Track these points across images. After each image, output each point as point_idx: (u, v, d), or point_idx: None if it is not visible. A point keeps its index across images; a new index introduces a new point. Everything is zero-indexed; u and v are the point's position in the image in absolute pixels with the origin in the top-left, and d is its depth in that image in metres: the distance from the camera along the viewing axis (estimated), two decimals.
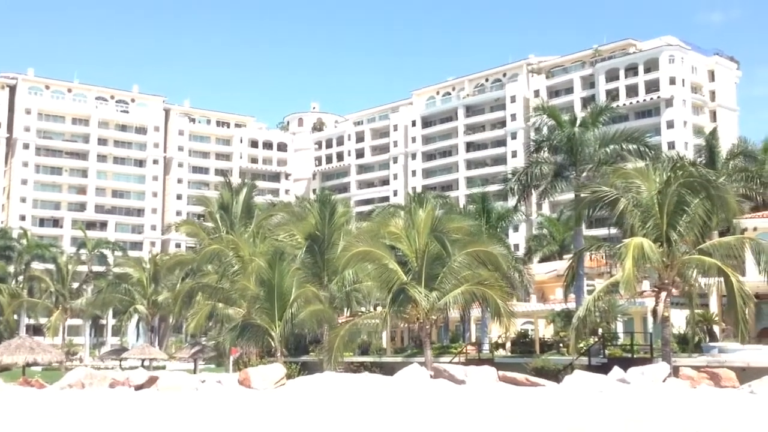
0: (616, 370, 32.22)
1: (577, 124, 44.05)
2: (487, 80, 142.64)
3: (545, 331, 57.96)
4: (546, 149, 47.50)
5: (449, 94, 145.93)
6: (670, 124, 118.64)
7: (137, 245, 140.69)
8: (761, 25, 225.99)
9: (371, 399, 25.35)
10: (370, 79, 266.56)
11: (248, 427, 18.30)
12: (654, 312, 34.05)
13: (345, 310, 45.26)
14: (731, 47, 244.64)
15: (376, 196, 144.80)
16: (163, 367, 64.87)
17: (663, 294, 33.15)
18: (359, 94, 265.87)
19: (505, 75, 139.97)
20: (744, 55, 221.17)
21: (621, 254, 31.58)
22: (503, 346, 53.84)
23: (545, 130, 49.01)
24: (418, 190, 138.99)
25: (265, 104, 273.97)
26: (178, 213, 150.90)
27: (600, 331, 39.26)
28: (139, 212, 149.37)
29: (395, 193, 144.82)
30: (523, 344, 53.88)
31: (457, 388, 29.67)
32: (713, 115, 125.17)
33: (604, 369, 34.39)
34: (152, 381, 30.29)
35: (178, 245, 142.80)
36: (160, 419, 20.04)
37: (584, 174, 45.95)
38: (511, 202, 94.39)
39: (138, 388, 29.98)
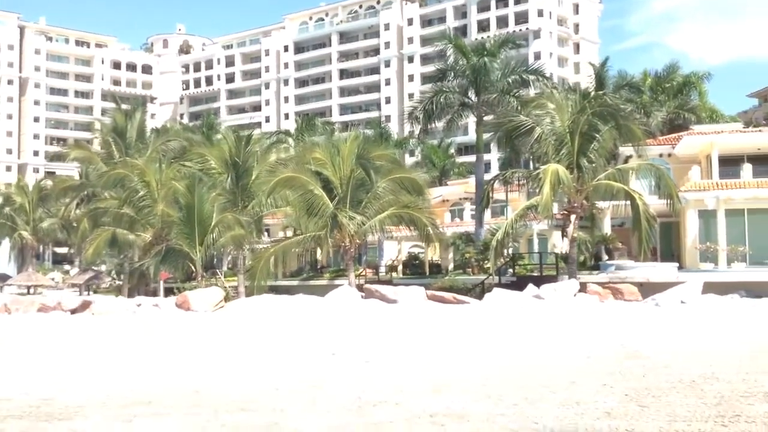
0: (531, 287, 34.76)
1: (485, 54, 45.41)
2: (360, 7, 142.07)
3: (433, 253, 60.59)
4: (449, 78, 48.80)
5: (322, 19, 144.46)
6: (537, 56, 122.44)
7: None
8: None
9: (315, 318, 26.38)
10: (239, 1, 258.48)
11: (207, 343, 18.83)
12: (563, 233, 36.61)
13: (255, 235, 45.49)
14: None
15: (247, 122, 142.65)
16: (40, 294, 62.90)
17: (573, 216, 35.66)
18: (228, 16, 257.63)
19: (378, 2, 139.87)
20: None
21: (540, 179, 33.64)
22: (395, 268, 56.00)
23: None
24: (291, 116, 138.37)
25: (127, 24, 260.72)
26: (36, 136, 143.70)
27: (506, 251, 41.63)
28: None
29: (267, 120, 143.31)
30: (413, 266, 56.32)
31: (391, 307, 31.19)
32: (576, 47, 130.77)
33: (514, 286, 36.75)
34: (86, 306, 30.17)
35: (36, 170, 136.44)
36: (120, 339, 20.20)
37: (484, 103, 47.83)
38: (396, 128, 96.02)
39: (72, 312, 29.75)
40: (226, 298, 33.16)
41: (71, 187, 57.21)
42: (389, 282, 46.02)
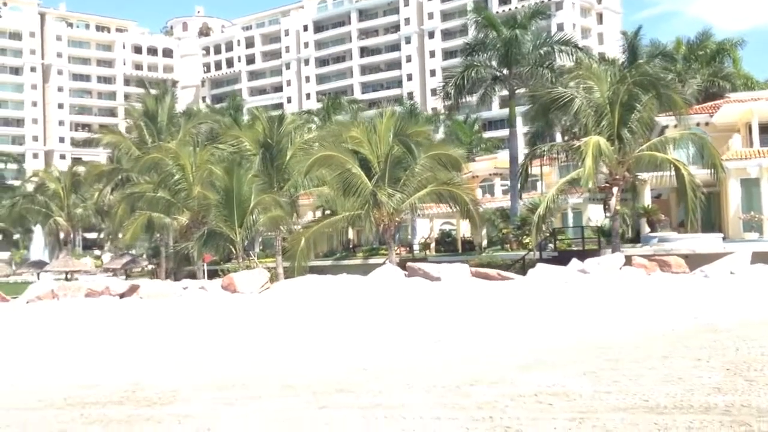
0: (575, 262, 34.39)
1: (516, 26, 44.91)
2: None
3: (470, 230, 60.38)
4: (479, 52, 48.33)
5: None
6: (561, 27, 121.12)
7: (19, 157, 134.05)
8: None
9: (368, 297, 26.24)
10: None
11: (269, 325, 18.72)
12: (605, 206, 36.23)
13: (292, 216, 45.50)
14: None
15: (269, 103, 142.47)
16: (76, 280, 63.37)
17: (615, 189, 35.28)
18: None
19: None
20: None
21: (581, 152, 33.27)
22: (429, 246, 55.97)
23: (476, 33, 49.77)
24: (313, 96, 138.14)
25: (146, 7, 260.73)
26: (61, 123, 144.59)
27: (545, 226, 41.34)
28: (19, 123, 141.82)
29: (289, 100, 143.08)
30: (446, 243, 56.27)
31: (437, 285, 30.99)
32: (600, 18, 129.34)
33: (556, 261, 36.43)
34: (134, 289, 30.21)
35: (62, 156, 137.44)
36: (179, 322, 20.17)
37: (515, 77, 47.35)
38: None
39: (121, 296, 29.83)
40: (271, 280, 33.22)
41: (104, 173, 57.53)
42: (424, 260, 45.95)
